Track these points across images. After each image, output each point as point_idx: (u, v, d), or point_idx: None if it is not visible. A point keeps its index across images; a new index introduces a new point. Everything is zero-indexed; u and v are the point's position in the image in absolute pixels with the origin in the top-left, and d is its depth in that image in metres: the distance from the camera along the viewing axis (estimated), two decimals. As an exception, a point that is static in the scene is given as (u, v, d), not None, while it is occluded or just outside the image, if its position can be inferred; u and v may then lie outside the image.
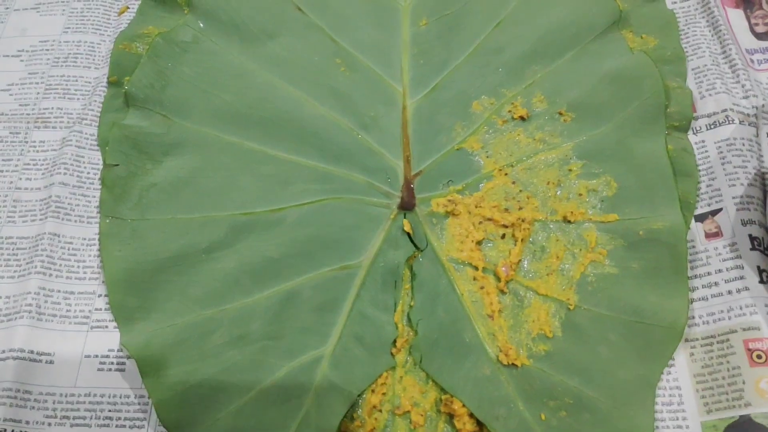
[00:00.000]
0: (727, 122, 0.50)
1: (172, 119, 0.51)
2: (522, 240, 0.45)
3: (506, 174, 0.48)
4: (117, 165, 0.49)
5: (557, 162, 0.49)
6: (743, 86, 0.52)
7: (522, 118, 0.50)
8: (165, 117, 0.51)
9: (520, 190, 0.48)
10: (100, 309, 0.45)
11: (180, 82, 0.52)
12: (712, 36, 0.55)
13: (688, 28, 0.56)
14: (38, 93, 0.55)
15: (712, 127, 0.50)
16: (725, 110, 0.50)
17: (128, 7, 0.60)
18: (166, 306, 0.44)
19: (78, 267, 0.47)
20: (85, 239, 0.48)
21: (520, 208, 0.47)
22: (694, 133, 0.51)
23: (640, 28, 0.56)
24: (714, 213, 0.47)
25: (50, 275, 0.46)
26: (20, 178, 0.51)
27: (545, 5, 0.56)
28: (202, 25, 0.55)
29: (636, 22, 0.56)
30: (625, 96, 0.51)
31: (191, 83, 0.52)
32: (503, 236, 0.46)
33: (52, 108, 0.54)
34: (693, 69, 0.53)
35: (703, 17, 0.56)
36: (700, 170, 0.49)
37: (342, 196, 0.48)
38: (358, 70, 0.53)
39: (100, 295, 0.46)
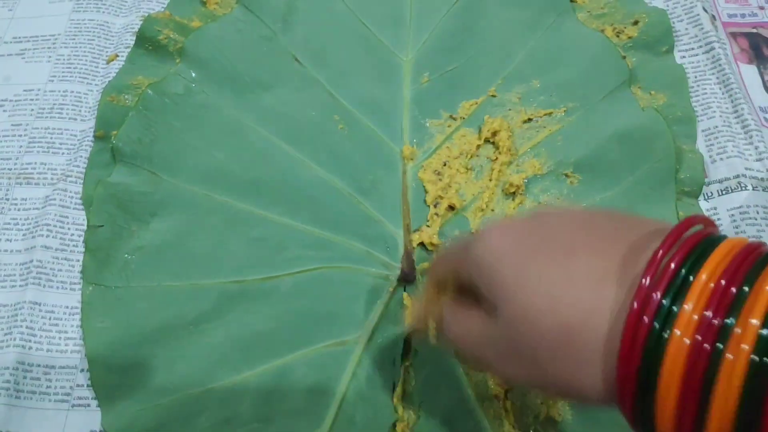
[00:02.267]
0: (739, 188, 0.48)
1: (161, 176, 0.48)
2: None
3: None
4: (101, 226, 0.46)
5: (564, 228, 0.46)
6: (756, 148, 0.50)
7: (526, 181, 0.48)
8: (153, 174, 0.48)
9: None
10: (82, 385, 0.43)
11: (170, 137, 0.50)
12: (723, 94, 0.53)
13: (698, 86, 0.54)
14: (21, 146, 0.53)
15: (724, 193, 0.48)
16: (738, 176, 0.48)
17: (117, 55, 0.57)
18: (150, 384, 0.41)
19: (59, 339, 0.44)
20: (67, 308, 0.45)
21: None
22: (705, 199, 0.49)
23: (649, 83, 0.54)
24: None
25: (30, 348, 0.43)
26: (-1, 239, 0.48)
27: (552, 62, 0.54)
28: (194, 74, 0.53)
29: (644, 77, 0.54)
30: (635, 157, 0.49)
31: (182, 139, 0.50)
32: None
33: (36, 163, 0.52)
34: (703, 130, 0.51)
35: (714, 74, 0.54)
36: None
37: (338, 265, 0.45)
38: (357, 129, 0.51)
39: (82, 370, 0.43)
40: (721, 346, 0.21)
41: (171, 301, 0.44)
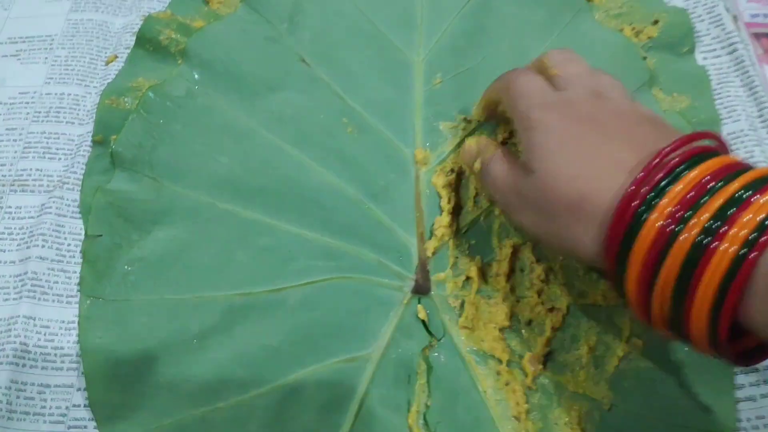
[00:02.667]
0: None
1: (163, 183, 0.46)
2: (552, 328, 0.41)
3: (530, 250, 0.44)
4: (100, 236, 0.44)
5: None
6: (784, 152, 0.48)
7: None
8: (154, 180, 0.46)
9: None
10: (79, 405, 0.40)
11: (172, 141, 0.48)
12: (748, 97, 0.51)
13: (722, 88, 0.51)
14: (16, 152, 0.50)
15: (753, 198, 0.46)
16: (767, 181, 0.46)
17: (117, 56, 0.55)
18: (152, 403, 0.39)
19: (55, 355, 0.42)
20: (63, 322, 0.43)
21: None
22: (732, 205, 0.46)
23: (671, 85, 0.52)
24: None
25: (23, 366, 0.41)
26: (-7, 249, 0.46)
27: (569, 62, 0.51)
28: (197, 76, 0.50)
29: (666, 79, 0.52)
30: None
31: (184, 143, 0.48)
32: (529, 323, 0.42)
33: (31, 169, 0.49)
34: (728, 134, 0.49)
35: (737, 76, 0.52)
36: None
37: (349, 275, 0.43)
38: (367, 132, 0.49)
39: (79, 389, 0.41)
40: (677, 229, 0.28)
41: (174, 315, 0.42)
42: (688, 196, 0.28)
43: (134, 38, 0.54)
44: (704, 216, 0.27)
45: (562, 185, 0.33)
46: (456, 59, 0.52)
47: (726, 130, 0.49)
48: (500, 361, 0.40)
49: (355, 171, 0.47)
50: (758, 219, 0.26)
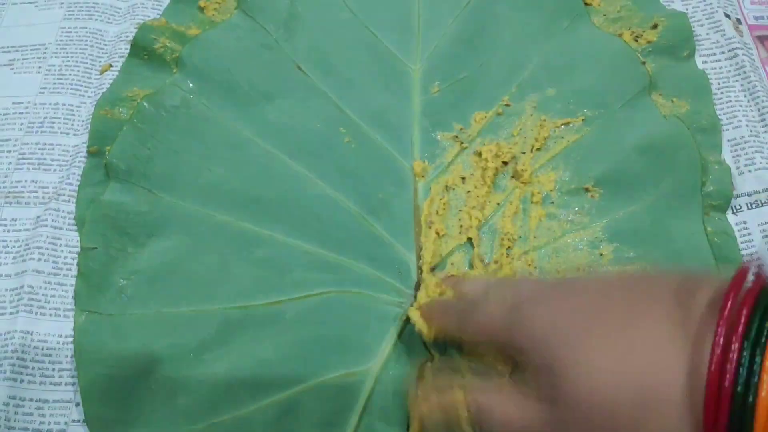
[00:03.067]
0: (770, 202, 0.46)
1: (158, 194, 0.46)
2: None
3: (530, 260, 0.43)
4: (94, 248, 0.44)
5: (586, 245, 0.44)
6: (786, 159, 0.47)
7: (545, 195, 0.46)
8: (149, 192, 0.46)
9: (546, 280, 0.43)
10: (78, 421, 0.40)
11: (167, 152, 0.47)
12: (749, 102, 0.50)
13: (722, 93, 0.51)
14: (10, 163, 0.50)
15: (754, 206, 0.46)
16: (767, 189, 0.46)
17: (111, 65, 0.54)
18: (149, 419, 0.39)
19: (53, 370, 0.42)
20: (61, 336, 0.43)
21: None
22: (734, 213, 0.46)
23: (671, 90, 0.51)
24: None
25: (21, 381, 0.41)
26: (-12, 263, 0.46)
27: (567, 69, 0.51)
28: (192, 85, 0.50)
29: (665, 84, 0.51)
30: (659, 169, 0.46)
31: (180, 154, 0.47)
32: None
33: (26, 181, 0.49)
34: (729, 140, 0.49)
35: (738, 81, 0.51)
36: (743, 256, 0.44)
37: (347, 289, 0.43)
38: (365, 142, 0.48)
39: (77, 404, 0.40)
40: None
41: (170, 329, 0.41)
42: None
43: (129, 46, 0.53)
44: None
45: (610, 396, 0.25)
46: (453, 67, 0.52)
47: (727, 137, 0.49)
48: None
49: (353, 183, 0.46)
50: None
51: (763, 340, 0.22)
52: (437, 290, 0.40)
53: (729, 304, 0.23)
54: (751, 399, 0.21)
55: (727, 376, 0.22)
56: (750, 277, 0.24)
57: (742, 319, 0.22)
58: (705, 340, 0.23)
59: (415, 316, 0.39)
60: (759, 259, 0.26)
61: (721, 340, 0.22)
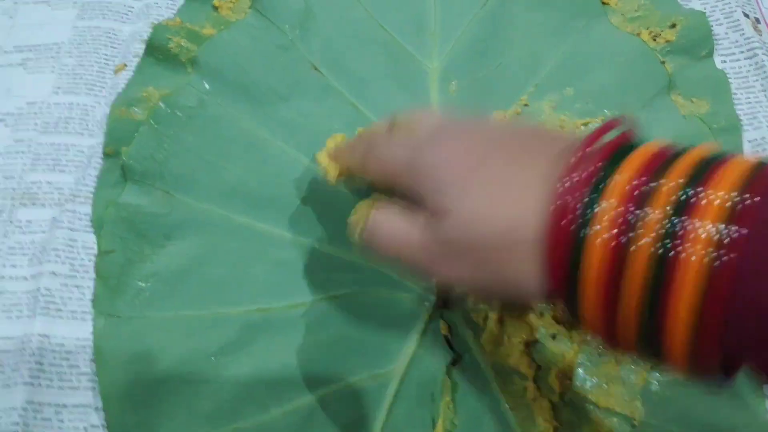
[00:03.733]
0: (792, 201, 0.45)
1: (175, 196, 0.45)
2: (580, 341, 0.40)
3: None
4: (112, 251, 0.43)
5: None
6: (807, 159, 0.47)
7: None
8: (167, 193, 0.45)
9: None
10: (97, 426, 0.39)
11: (184, 152, 0.47)
12: (769, 102, 0.50)
13: (741, 93, 0.51)
14: (25, 164, 0.49)
15: (777, 207, 0.45)
16: (790, 188, 0.45)
17: (126, 65, 0.54)
18: (171, 424, 0.38)
19: (71, 374, 0.41)
20: (78, 339, 0.42)
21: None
22: (756, 213, 0.45)
23: (689, 90, 0.51)
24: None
25: (39, 385, 0.40)
26: (3, 265, 0.45)
27: (585, 70, 0.51)
28: (207, 86, 0.50)
29: (684, 84, 0.51)
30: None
31: (196, 154, 0.47)
32: (554, 336, 0.41)
33: (41, 182, 0.48)
34: (750, 141, 0.48)
35: (758, 81, 0.51)
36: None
37: (369, 289, 0.42)
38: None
39: (96, 408, 0.40)
40: (624, 240, 0.24)
41: (191, 332, 0.41)
42: (626, 201, 0.24)
43: (143, 46, 0.53)
44: (652, 219, 0.23)
45: (482, 225, 0.28)
46: (471, 66, 0.51)
47: (747, 138, 0.49)
48: (526, 377, 0.39)
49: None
50: (719, 216, 0.22)
51: (602, 185, 0.25)
52: None
53: (580, 154, 0.26)
54: (583, 234, 0.24)
55: (569, 215, 0.25)
56: (614, 133, 0.27)
57: (590, 168, 0.25)
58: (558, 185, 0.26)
59: (322, 157, 0.40)
60: (628, 120, 0.29)
61: (567, 183, 0.26)
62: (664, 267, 0.23)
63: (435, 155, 0.31)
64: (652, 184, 0.24)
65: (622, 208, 0.24)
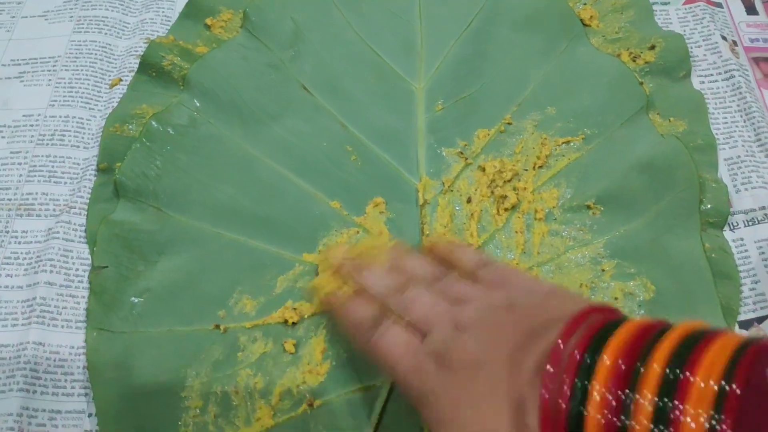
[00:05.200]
0: (766, 220, 0.47)
1: (167, 213, 0.46)
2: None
3: (534, 276, 0.45)
4: (105, 267, 0.44)
5: (588, 261, 0.45)
6: (782, 178, 0.49)
7: (547, 212, 0.47)
8: (159, 210, 0.46)
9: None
10: (90, 431, 0.41)
11: (176, 171, 0.48)
12: (745, 122, 0.52)
13: (718, 113, 0.52)
14: (21, 175, 0.51)
15: (751, 224, 0.47)
16: (764, 207, 0.47)
17: (121, 79, 0.55)
18: (162, 437, 0.39)
19: (65, 381, 0.42)
20: (73, 348, 0.43)
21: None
22: (731, 230, 0.47)
23: (668, 110, 0.52)
24: (760, 320, 0.43)
25: (34, 392, 0.42)
26: None
27: (567, 88, 0.52)
28: (198, 104, 0.51)
29: (662, 104, 0.53)
30: (658, 187, 0.47)
31: (188, 173, 0.48)
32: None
33: (37, 193, 0.50)
34: (725, 159, 0.50)
35: (734, 101, 0.53)
36: (740, 272, 0.45)
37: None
38: (371, 161, 0.49)
39: (90, 415, 0.41)
40: (626, 421, 0.25)
41: (182, 348, 0.42)
42: (613, 391, 0.25)
43: (137, 61, 0.54)
44: (645, 412, 0.24)
45: None
46: (456, 86, 0.53)
47: (723, 156, 0.50)
48: None
49: (360, 200, 0.48)
50: (706, 409, 0.24)
51: (592, 368, 0.26)
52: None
53: (555, 356, 0.27)
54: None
55: (562, 407, 0.26)
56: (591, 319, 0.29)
57: (576, 357, 0.27)
58: (528, 397, 0.28)
59: (324, 267, 0.41)
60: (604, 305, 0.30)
61: (550, 381, 0.27)
62: None
63: (423, 388, 0.32)
64: (638, 366, 0.25)
65: (612, 397, 0.25)
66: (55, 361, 0.43)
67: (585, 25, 0.57)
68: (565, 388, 0.26)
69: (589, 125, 0.51)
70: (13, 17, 0.60)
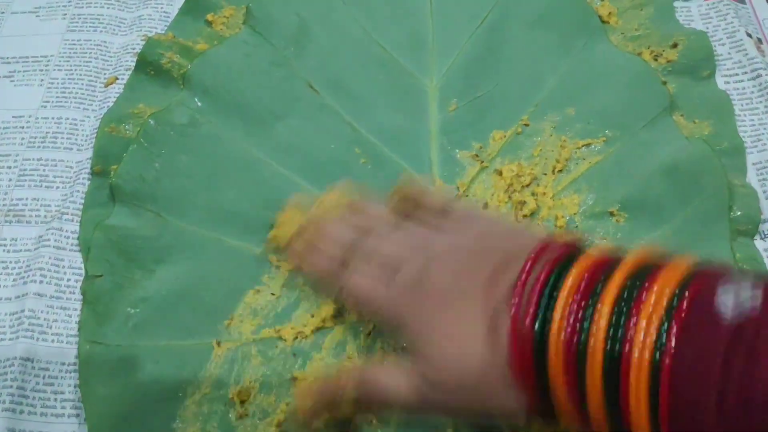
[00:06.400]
0: (798, 227, 0.44)
1: (166, 218, 0.44)
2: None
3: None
4: (100, 276, 0.42)
5: (611, 273, 0.42)
6: (813, 183, 0.46)
7: (569, 219, 0.44)
8: (157, 215, 0.44)
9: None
10: (81, 455, 0.38)
11: (176, 173, 0.45)
12: (773, 124, 0.49)
13: (745, 115, 0.50)
14: (10, 180, 0.48)
15: (782, 232, 0.45)
16: (796, 214, 0.45)
17: (117, 78, 0.53)
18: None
19: (55, 401, 0.40)
20: (63, 364, 0.41)
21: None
22: (762, 239, 0.45)
23: (692, 111, 0.50)
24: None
25: (21, 412, 0.39)
26: (-13, 286, 0.44)
27: (587, 88, 0.50)
28: (199, 103, 0.48)
29: (686, 105, 0.50)
30: (684, 193, 0.45)
31: (188, 175, 0.45)
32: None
33: (27, 198, 0.47)
34: (754, 164, 0.48)
35: (762, 102, 0.50)
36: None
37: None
38: (382, 163, 0.47)
39: (80, 437, 0.38)
40: (581, 340, 0.27)
41: (181, 362, 0.39)
42: (575, 305, 0.28)
43: (134, 59, 0.52)
44: (602, 322, 0.27)
45: (458, 363, 0.31)
46: (470, 84, 0.51)
47: (751, 160, 0.48)
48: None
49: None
50: (655, 323, 0.26)
51: (555, 292, 0.28)
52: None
53: (524, 275, 0.30)
54: (543, 337, 0.28)
55: (527, 320, 0.28)
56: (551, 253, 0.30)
57: (541, 277, 0.29)
58: (500, 318, 0.30)
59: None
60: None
61: (517, 299, 0.29)
62: (617, 364, 0.26)
63: (395, 314, 0.34)
64: (598, 287, 0.28)
65: (574, 308, 0.28)
66: (44, 378, 0.40)
67: (603, 22, 0.54)
68: (532, 307, 0.28)
69: (610, 127, 0.48)
70: (2, 13, 0.57)
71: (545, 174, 0.46)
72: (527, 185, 0.46)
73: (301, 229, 0.40)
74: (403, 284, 0.34)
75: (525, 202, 0.45)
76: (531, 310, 0.28)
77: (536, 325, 0.28)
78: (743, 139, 0.49)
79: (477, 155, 0.47)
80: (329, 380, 0.35)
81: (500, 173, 0.46)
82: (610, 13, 0.55)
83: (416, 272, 0.34)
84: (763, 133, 0.49)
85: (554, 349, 0.28)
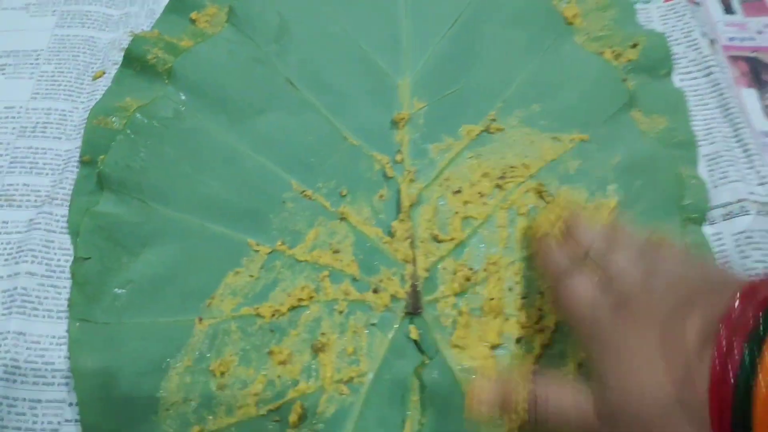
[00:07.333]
0: (743, 213, 0.47)
1: (152, 206, 0.46)
2: (542, 345, 0.42)
3: (517, 270, 0.45)
4: (88, 258, 0.44)
5: (569, 257, 0.45)
6: (758, 172, 0.50)
7: (530, 208, 0.47)
8: (143, 203, 0.46)
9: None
10: (70, 420, 0.41)
11: (161, 163, 0.48)
12: (723, 118, 0.52)
13: (698, 110, 0.53)
14: (2, 166, 0.50)
15: (728, 218, 0.48)
16: (740, 200, 0.48)
17: (104, 72, 0.55)
18: (148, 429, 0.39)
19: (46, 371, 0.42)
20: (54, 338, 0.43)
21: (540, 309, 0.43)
22: (709, 224, 0.48)
23: (650, 107, 0.53)
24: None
25: (14, 381, 0.41)
26: (-20, 266, 0.46)
27: (551, 87, 0.52)
28: (184, 98, 0.51)
29: (644, 101, 0.53)
30: (638, 189, 0.47)
31: (173, 165, 0.48)
32: (519, 340, 0.43)
33: (18, 184, 0.49)
34: (705, 155, 0.51)
35: (713, 98, 0.53)
36: (719, 264, 0.46)
37: (341, 297, 0.44)
38: (357, 156, 0.50)
39: (70, 404, 0.41)
40: None
41: (166, 339, 0.42)
42: None
43: (121, 54, 0.54)
44: None
45: (640, 394, 0.30)
46: (441, 82, 0.53)
47: (703, 152, 0.51)
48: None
49: (345, 195, 0.48)
50: None
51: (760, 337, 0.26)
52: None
53: (735, 313, 0.28)
54: (748, 390, 0.26)
55: (730, 373, 0.26)
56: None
57: (750, 322, 0.27)
58: (701, 355, 0.28)
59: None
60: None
61: (723, 341, 0.27)
62: None
63: (601, 334, 0.34)
64: None
65: None
66: (36, 350, 0.42)
67: (569, 23, 0.57)
68: (737, 353, 0.26)
69: (573, 122, 0.51)
70: (-6, 9, 0.60)
71: (511, 167, 0.49)
72: (493, 177, 0.48)
73: (557, 224, 0.41)
74: (611, 302, 0.34)
75: (490, 192, 0.47)
76: (736, 356, 0.27)
77: (740, 373, 0.26)
78: (695, 133, 0.52)
79: (447, 149, 0.50)
80: (507, 384, 0.36)
81: (468, 166, 0.49)
82: (575, 14, 0.58)
83: (627, 293, 0.34)
84: (714, 127, 0.52)
85: (763, 406, 0.26)
